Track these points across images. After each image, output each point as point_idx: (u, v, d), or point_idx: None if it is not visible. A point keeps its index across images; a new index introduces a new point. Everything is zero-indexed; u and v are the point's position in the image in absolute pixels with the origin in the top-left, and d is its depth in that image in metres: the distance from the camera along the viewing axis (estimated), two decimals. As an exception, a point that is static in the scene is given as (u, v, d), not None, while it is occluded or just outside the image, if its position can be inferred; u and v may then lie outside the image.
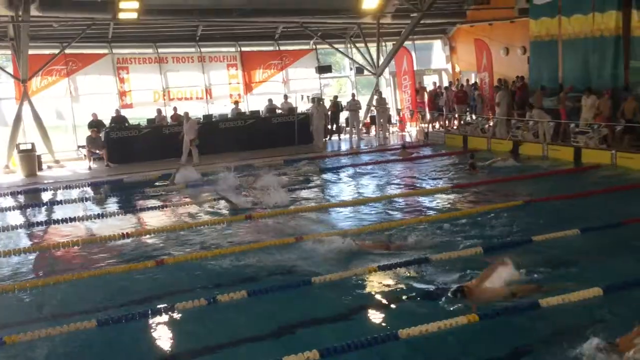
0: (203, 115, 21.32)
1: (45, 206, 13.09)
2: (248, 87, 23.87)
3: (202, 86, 23.11)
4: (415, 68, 24.76)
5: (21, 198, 14.25)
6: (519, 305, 6.08)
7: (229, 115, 21.24)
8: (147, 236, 9.76)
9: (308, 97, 22.60)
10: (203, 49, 23.09)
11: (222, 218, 10.71)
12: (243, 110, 22.21)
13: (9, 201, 13.90)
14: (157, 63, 22.30)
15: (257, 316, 6.18)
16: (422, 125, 23.62)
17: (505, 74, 22.39)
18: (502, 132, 18.46)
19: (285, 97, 22.89)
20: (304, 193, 13.04)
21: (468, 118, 21.79)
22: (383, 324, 5.98)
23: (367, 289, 6.89)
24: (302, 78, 24.69)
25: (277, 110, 21.83)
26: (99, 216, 11.33)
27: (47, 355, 5.42)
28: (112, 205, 12.89)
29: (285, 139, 20.02)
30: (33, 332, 5.76)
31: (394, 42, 23.58)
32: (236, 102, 22.65)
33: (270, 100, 22.34)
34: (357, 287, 6.88)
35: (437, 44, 27.17)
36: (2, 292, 7.16)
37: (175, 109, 21.09)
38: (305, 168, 16.28)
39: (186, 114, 18.95)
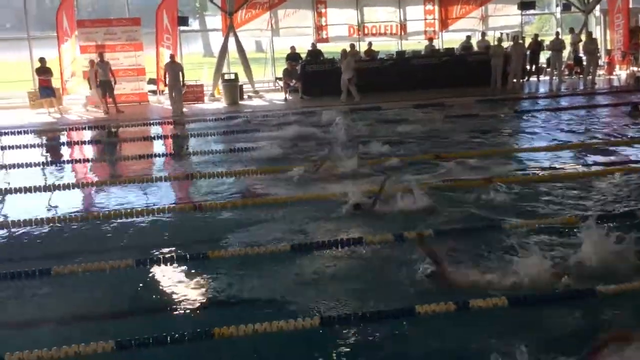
0: (396, 52, 21.17)
1: (244, 133, 13.68)
2: (444, 24, 23.17)
3: (396, 21, 22.82)
4: (630, 5, 22.40)
5: (224, 124, 15.17)
6: None
7: (423, 52, 20.85)
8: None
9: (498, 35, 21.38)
10: (400, -17, 22.68)
11: (407, 157, 10.49)
12: (437, 48, 21.67)
13: (211, 126, 14.92)
14: (355, -2, 22.34)
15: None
16: (634, 68, 21.46)
17: None
18: None
19: (483, 34, 21.92)
20: (492, 135, 12.41)
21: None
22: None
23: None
24: (502, 15, 23.41)
25: (473, 48, 21.01)
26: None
27: (246, 270, 5.76)
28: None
29: (481, 78, 19.17)
30: (234, 249, 6.17)
31: (610, -24, 21.45)
32: (430, 39, 22.13)
33: (468, 37, 21.53)
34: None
35: (661, -21, 24.31)
36: (208, 209, 7.73)
37: (370, 44, 21.12)
38: (498, 110, 15.56)
39: (344, 51, 18.88)
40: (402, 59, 20.12)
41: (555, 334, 4.46)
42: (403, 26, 22.91)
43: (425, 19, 23.07)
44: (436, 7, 23.01)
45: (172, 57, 18.00)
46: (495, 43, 20.31)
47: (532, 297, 4.93)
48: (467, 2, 23.05)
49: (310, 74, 19.28)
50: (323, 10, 22.20)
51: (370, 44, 21.16)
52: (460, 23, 23.30)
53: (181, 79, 17.40)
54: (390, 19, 22.79)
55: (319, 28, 22.20)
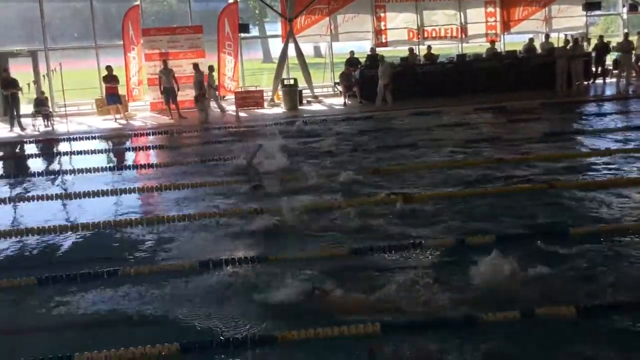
0: (457, 55, 20.92)
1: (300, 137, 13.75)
2: (506, 26, 22.77)
3: (457, 24, 22.54)
4: None
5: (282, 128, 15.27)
6: None
7: (484, 55, 20.54)
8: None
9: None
10: (462, -15, 22.38)
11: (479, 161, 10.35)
12: (499, 50, 21.30)
13: (271, 130, 15.02)
14: (414, 1, 22.14)
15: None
16: None
17: None
18: None
19: (547, 36, 21.41)
20: (553, 139, 12.04)
21: None
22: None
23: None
24: (567, 16, 22.81)
25: (536, 50, 20.59)
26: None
27: (304, 273, 5.79)
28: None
29: (545, 81, 18.66)
30: (293, 253, 6.24)
31: (682, -27, 20.63)
32: (492, 42, 21.75)
33: (531, 40, 21.10)
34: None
35: None
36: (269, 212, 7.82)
37: (429, 47, 20.93)
38: (560, 114, 15.14)
39: (381, 57, 18.77)
40: (463, 62, 19.86)
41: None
42: (463, 29, 22.60)
43: (487, 22, 22.70)
44: (498, 9, 22.61)
45: (195, 65, 18.19)
46: (561, 45, 19.79)
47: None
48: (530, 4, 22.56)
49: (370, 79, 19.19)
50: (382, 15, 22.11)
51: (429, 47, 20.96)
52: (523, 25, 22.83)
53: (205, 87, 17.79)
54: (450, 22, 22.51)
55: (378, 32, 22.11)
